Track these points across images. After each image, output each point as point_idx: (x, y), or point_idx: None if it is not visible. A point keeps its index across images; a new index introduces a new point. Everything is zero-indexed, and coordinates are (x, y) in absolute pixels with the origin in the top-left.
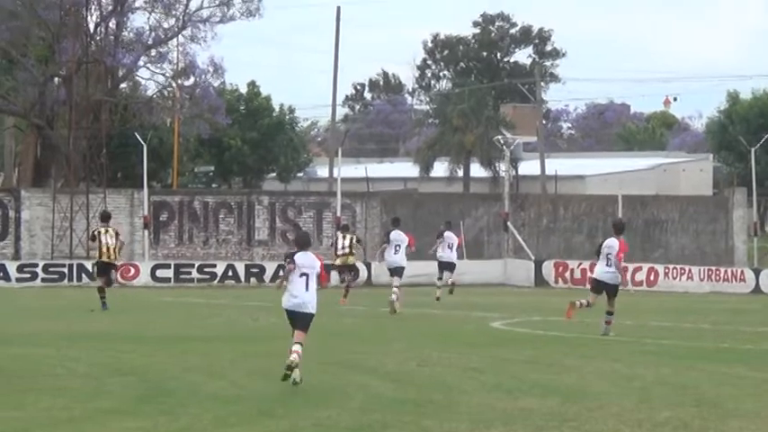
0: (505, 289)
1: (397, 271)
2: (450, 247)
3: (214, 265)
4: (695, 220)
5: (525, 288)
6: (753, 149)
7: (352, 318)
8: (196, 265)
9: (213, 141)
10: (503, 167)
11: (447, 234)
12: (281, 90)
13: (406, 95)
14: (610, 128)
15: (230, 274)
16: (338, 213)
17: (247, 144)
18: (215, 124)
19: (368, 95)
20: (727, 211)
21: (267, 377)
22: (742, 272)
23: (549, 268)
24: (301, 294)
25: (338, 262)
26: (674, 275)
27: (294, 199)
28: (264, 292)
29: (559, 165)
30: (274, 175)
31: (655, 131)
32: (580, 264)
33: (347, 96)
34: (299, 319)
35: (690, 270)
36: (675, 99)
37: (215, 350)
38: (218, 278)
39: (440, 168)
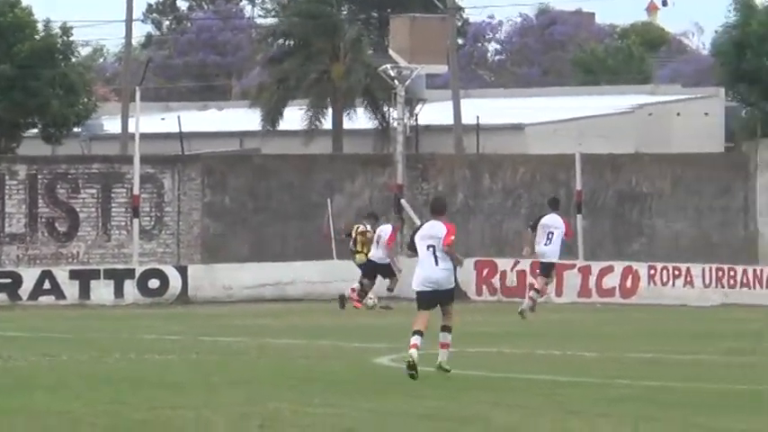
0: (398, 304)
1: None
2: None
3: None
4: (697, 192)
5: None
6: None
7: (160, 353)
8: None
9: None
10: (394, 114)
11: None
12: None
13: (244, 3)
14: (562, 50)
15: None
16: (136, 190)
17: None
18: None
19: (182, 4)
20: (746, 176)
21: None
22: None
23: (467, 271)
24: (431, 270)
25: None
26: (665, 279)
27: (68, 168)
28: (22, 314)
29: (484, 108)
30: (36, 131)
31: (633, 55)
32: (516, 263)
33: (150, 6)
34: (433, 300)
35: (689, 270)
36: (665, 4)
37: None
38: None
39: (294, 117)
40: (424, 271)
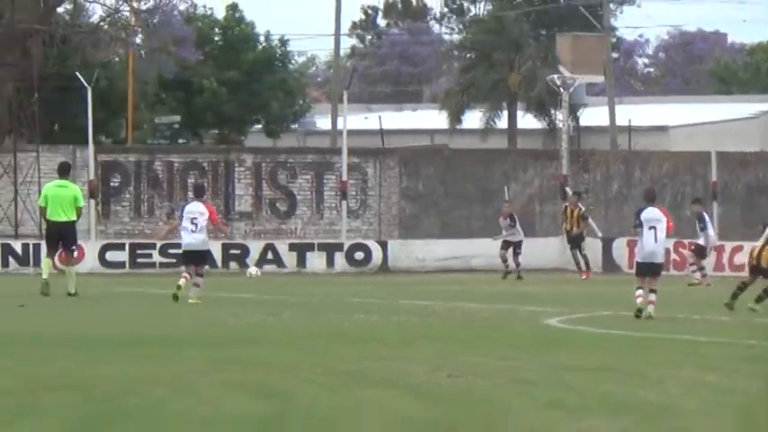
0: (564, 276)
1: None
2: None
3: (181, 246)
4: None
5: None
6: None
7: (365, 314)
8: (158, 246)
9: (180, 83)
10: (559, 116)
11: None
12: (269, 16)
13: (432, 22)
14: (700, 64)
15: None
16: (344, 177)
17: (225, 86)
18: (182, 61)
19: (382, 22)
20: None
21: (248, 392)
22: None
23: (620, 248)
24: (650, 245)
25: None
26: None
27: (286, 158)
28: (247, 280)
29: (635, 112)
30: (260, 127)
31: (760, 68)
32: None
33: (354, 23)
34: (649, 270)
35: None
36: None
37: (181, 356)
38: None
39: (475, 117)
40: (647, 246)
